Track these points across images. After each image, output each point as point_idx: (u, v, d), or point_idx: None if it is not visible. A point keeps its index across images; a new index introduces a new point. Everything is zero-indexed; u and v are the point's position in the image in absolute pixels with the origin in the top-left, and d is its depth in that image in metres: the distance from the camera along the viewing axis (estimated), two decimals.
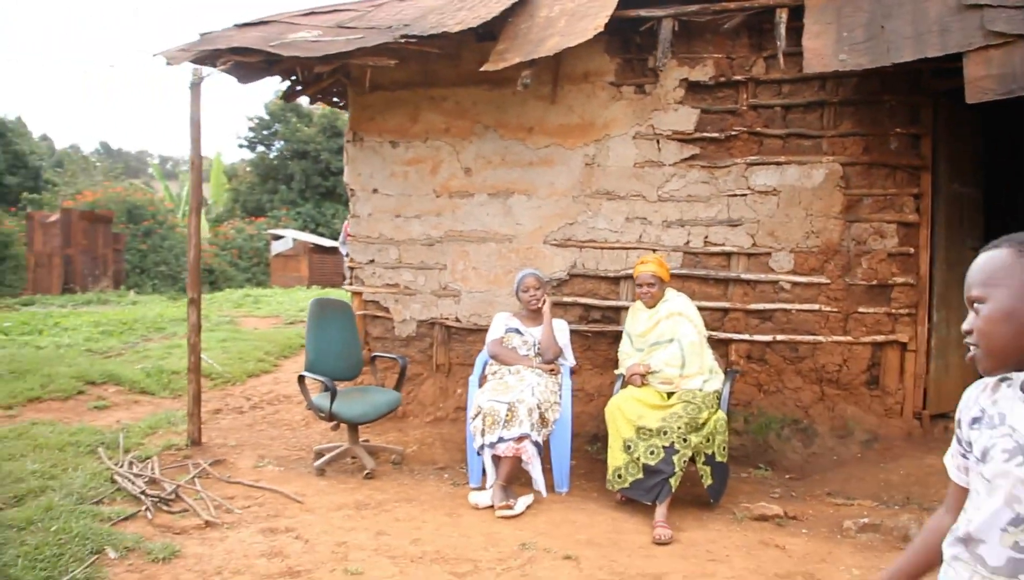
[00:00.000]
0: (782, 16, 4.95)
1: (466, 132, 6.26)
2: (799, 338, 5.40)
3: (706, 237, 5.61)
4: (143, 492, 4.55)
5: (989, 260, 1.55)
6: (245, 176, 31.06)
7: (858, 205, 5.32)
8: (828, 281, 5.34)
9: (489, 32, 5.48)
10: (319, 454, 5.44)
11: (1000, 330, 1.51)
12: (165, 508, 4.42)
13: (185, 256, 20.76)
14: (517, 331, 5.28)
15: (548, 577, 3.69)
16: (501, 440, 4.66)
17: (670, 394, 4.71)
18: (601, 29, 4.82)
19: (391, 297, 6.58)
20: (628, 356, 5.00)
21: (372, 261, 6.64)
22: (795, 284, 5.43)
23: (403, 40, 5.13)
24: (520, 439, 4.65)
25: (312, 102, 8.04)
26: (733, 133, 5.50)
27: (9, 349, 8.87)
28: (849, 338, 5.31)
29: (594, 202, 5.88)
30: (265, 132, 30.36)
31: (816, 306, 5.37)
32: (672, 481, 4.36)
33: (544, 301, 5.25)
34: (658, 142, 5.68)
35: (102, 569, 3.56)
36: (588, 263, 5.93)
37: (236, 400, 7.43)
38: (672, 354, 4.74)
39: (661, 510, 4.33)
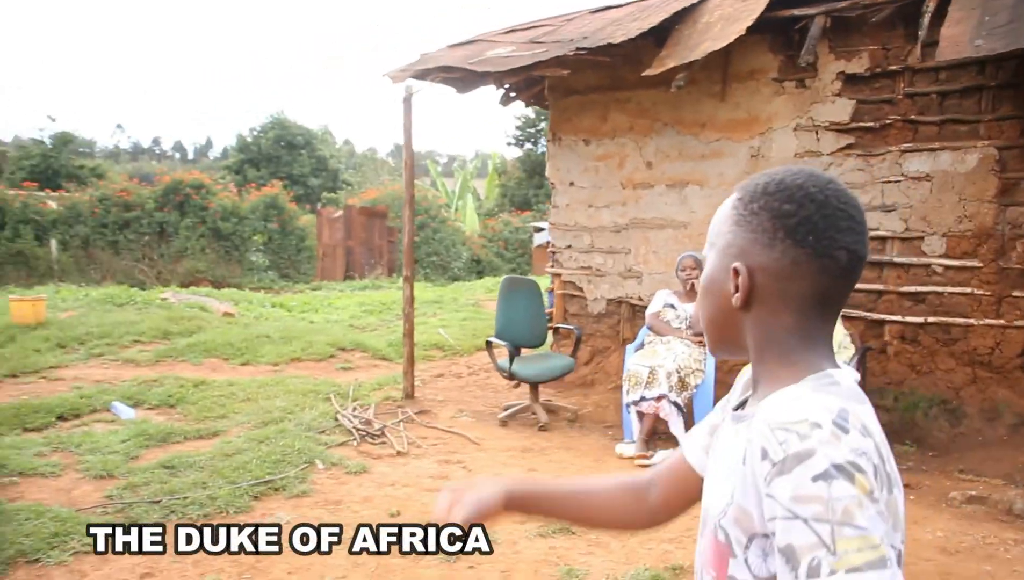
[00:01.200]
0: (929, 6, 5.11)
1: (647, 129, 6.92)
2: (951, 320, 5.48)
3: None
4: (355, 428, 5.78)
5: (716, 213, 1.15)
6: (513, 172, 33.15)
7: (1015, 189, 5.29)
8: (980, 265, 5.36)
9: (667, 39, 6.09)
10: (506, 409, 6.41)
11: (703, 302, 1.13)
12: (370, 441, 5.62)
13: (455, 248, 23.08)
14: (672, 306, 5.89)
15: None
16: (643, 399, 5.34)
17: None
18: (742, 33, 5.30)
19: (584, 278, 7.41)
20: None
21: (569, 246, 7.51)
22: (947, 267, 5.51)
23: (574, 52, 5.93)
24: (659, 398, 5.30)
25: (527, 106, 9.04)
26: (888, 122, 5.67)
27: (285, 322, 10.86)
28: (1002, 321, 5.31)
29: None
30: (531, 130, 32.24)
31: (968, 289, 5.42)
32: None
33: (698, 279, 5.81)
34: (816, 133, 5.99)
35: (310, 474, 4.78)
36: None
37: (459, 368, 8.64)
38: None
39: None
